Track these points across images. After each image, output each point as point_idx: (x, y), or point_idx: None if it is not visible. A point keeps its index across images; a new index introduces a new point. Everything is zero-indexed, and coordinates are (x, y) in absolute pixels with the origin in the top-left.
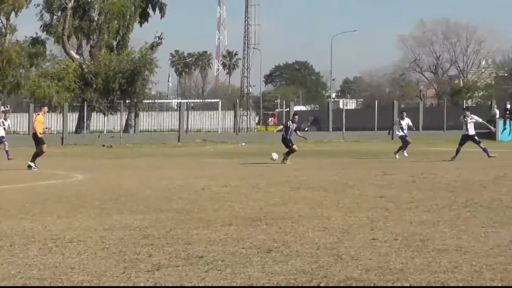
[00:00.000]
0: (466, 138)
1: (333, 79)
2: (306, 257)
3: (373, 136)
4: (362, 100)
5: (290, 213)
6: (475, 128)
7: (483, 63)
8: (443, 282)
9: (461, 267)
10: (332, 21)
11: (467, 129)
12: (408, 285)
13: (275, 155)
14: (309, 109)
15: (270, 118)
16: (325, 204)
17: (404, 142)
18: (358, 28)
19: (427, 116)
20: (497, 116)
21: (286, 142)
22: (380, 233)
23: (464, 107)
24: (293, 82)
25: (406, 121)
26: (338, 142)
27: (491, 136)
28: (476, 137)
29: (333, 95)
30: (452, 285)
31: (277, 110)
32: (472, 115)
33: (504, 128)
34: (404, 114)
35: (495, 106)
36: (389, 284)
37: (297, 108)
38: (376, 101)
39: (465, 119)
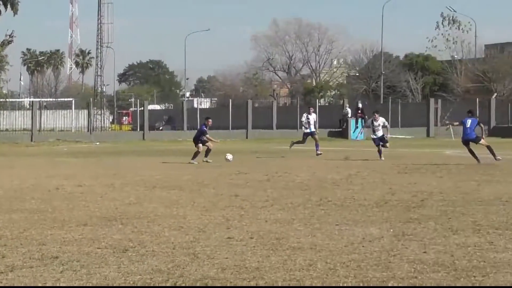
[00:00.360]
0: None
1: (187, 78)
2: (162, 257)
3: (228, 135)
4: (216, 99)
5: (145, 212)
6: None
7: (335, 62)
8: (298, 280)
9: (316, 265)
10: (186, 20)
11: (374, 133)
12: (264, 283)
13: (229, 156)
14: (163, 108)
15: (124, 117)
16: (180, 203)
17: (303, 140)
18: (212, 27)
19: (281, 115)
20: (349, 115)
21: (200, 139)
22: (236, 232)
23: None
24: (147, 81)
25: (313, 117)
26: (193, 142)
27: (343, 135)
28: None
29: (188, 94)
30: (307, 283)
31: (131, 109)
32: (380, 117)
33: (356, 127)
34: (311, 109)
35: (347, 105)
36: (245, 283)
37: (151, 107)
38: (230, 100)
39: (373, 123)
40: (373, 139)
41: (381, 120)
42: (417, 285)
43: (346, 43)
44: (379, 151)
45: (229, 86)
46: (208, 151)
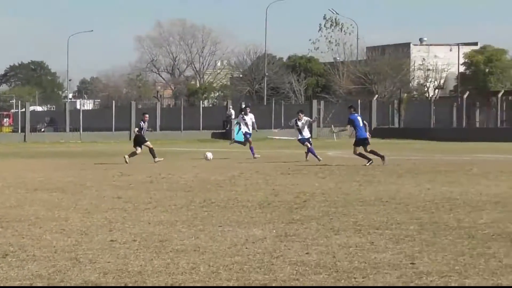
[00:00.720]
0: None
1: (70, 80)
2: (43, 261)
3: (111, 137)
4: (99, 100)
5: (26, 215)
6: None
7: (219, 64)
8: (180, 283)
9: (199, 268)
10: (69, 20)
11: (300, 133)
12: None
13: (209, 155)
14: (45, 109)
15: (5, 119)
16: (62, 206)
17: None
18: (95, 28)
19: (164, 117)
20: (233, 116)
21: (140, 139)
22: (119, 234)
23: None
24: (28, 82)
25: (250, 117)
26: (75, 143)
27: (226, 136)
28: (310, 139)
29: (70, 95)
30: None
31: (12, 110)
32: (304, 117)
33: (240, 129)
34: (248, 109)
35: (231, 106)
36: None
37: (33, 108)
38: (114, 102)
39: (297, 123)
40: (300, 140)
41: (305, 119)
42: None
43: (230, 45)
44: (308, 152)
45: (113, 88)
46: (152, 151)
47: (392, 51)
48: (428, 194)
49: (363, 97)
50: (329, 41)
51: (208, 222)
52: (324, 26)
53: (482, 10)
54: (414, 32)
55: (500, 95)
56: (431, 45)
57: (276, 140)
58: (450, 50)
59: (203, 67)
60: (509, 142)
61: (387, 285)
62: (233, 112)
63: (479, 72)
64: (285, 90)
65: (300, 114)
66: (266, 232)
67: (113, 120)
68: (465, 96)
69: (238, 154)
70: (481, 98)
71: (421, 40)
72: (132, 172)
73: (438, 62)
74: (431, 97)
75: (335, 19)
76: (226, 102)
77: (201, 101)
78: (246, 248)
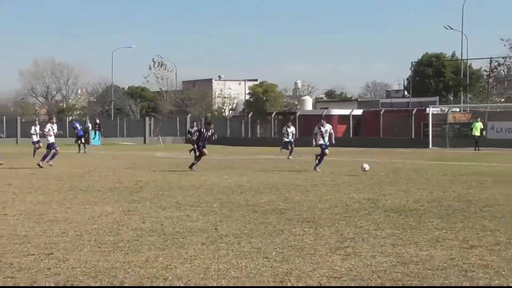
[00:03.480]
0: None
1: None
2: None
3: (1, 142)
4: None
5: None
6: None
7: (79, 91)
8: (55, 243)
9: (68, 233)
10: None
11: (322, 138)
12: (30, 246)
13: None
14: None
15: None
16: None
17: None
18: None
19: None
20: (90, 128)
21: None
22: (10, 210)
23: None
24: None
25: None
26: None
27: (87, 142)
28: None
29: None
30: (61, 245)
31: None
32: (326, 124)
33: (94, 137)
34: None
35: (88, 121)
36: (16, 246)
37: None
38: (5, 117)
39: (320, 129)
40: (285, 143)
41: (328, 127)
42: None
43: (87, 77)
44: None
45: (2, 107)
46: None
47: (200, 84)
48: (226, 182)
49: (181, 115)
50: (156, 76)
51: (74, 202)
52: (153, 66)
53: (261, 56)
54: (215, 71)
55: (273, 115)
56: (226, 80)
57: (120, 144)
58: (239, 84)
59: (68, 93)
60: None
61: (199, 242)
62: (90, 125)
63: (259, 99)
64: (126, 110)
65: (210, 125)
66: (115, 208)
67: (4, 129)
68: (249, 115)
69: (96, 154)
70: (260, 117)
71: (219, 76)
72: (17, 166)
73: (231, 92)
74: (227, 116)
75: (161, 62)
76: (84, 118)
77: (67, 117)
78: (101, 219)
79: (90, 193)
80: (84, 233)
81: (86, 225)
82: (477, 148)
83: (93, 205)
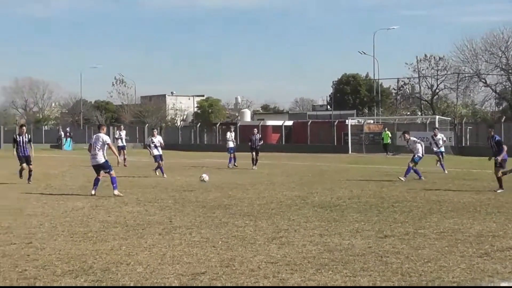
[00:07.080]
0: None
1: None
2: None
3: None
4: None
5: None
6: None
7: (53, 104)
8: (33, 234)
9: (44, 225)
10: None
11: (436, 145)
12: (13, 236)
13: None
14: None
15: None
16: None
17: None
18: None
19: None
20: (63, 135)
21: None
22: None
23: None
24: None
25: (158, 139)
26: None
27: (59, 147)
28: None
29: None
30: (39, 236)
31: None
32: (440, 133)
33: (66, 143)
34: (155, 131)
35: (61, 130)
36: (0, 236)
37: None
38: None
39: (434, 139)
40: (437, 153)
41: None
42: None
43: (59, 93)
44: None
45: None
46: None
47: (155, 98)
48: (179, 182)
49: (139, 125)
50: (118, 92)
51: (49, 198)
52: (116, 83)
53: (207, 75)
54: (168, 87)
55: (217, 125)
56: (178, 95)
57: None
58: (189, 99)
59: (44, 106)
60: (222, 152)
61: (156, 233)
62: (62, 133)
63: (206, 112)
64: (93, 120)
65: (435, 130)
66: (84, 204)
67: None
68: (198, 125)
69: (69, 157)
70: (207, 127)
71: (172, 92)
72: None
73: (182, 106)
74: (178, 126)
75: (122, 79)
76: (58, 127)
77: (43, 126)
78: (73, 213)
79: (63, 191)
80: (59, 225)
81: (60, 218)
82: (388, 153)
83: (66, 201)
